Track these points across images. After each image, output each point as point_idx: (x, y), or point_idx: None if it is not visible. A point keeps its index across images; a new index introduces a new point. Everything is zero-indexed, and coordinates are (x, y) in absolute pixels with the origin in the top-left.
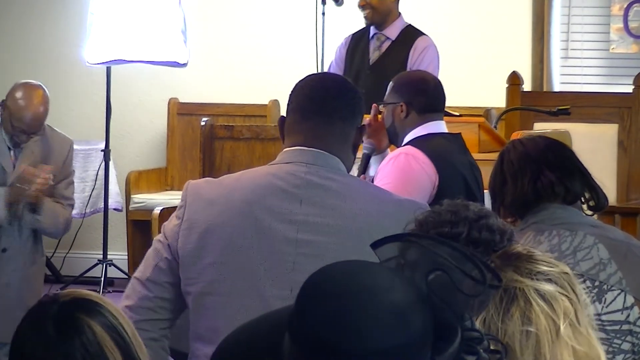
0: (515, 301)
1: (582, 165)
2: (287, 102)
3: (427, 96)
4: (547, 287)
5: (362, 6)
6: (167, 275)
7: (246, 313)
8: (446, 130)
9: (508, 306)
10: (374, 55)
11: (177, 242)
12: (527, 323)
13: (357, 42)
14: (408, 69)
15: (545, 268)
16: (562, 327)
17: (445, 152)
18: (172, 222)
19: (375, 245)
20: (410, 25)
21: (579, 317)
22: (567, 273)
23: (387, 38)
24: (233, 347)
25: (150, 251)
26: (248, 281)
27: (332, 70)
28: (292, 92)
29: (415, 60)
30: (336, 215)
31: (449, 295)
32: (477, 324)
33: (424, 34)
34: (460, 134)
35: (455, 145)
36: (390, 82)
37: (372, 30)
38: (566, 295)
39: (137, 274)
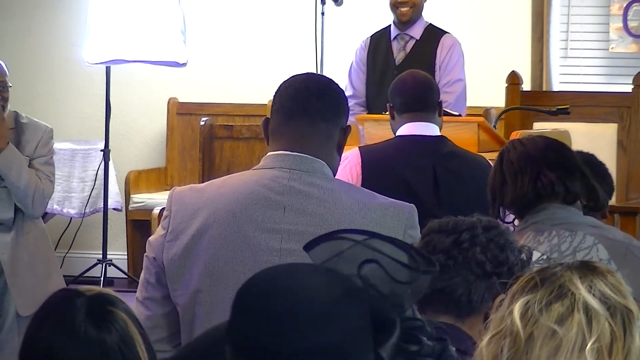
0: (561, 300)
1: (583, 165)
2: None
3: (401, 96)
4: (597, 306)
5: (403, 3)
6: (159, 290)
7: None
8: (428, 132)
9: (552, 300)
10: (399, 56)
11: (163, 254)
12: (559, 324)
13: (377, 44)
14: (437, 67)
15: (608, 291)
16: (588, 346)
17: (383, 155)
18: (158, 233)
19: (307, 247)
20: (431, 24)
21: (612, 350)
22: (630, 309)
23: (412, 37)
24: None
25: (143, 270)
26: (232, 291)
27: (352, 73)
28: (276, 93)
29: (444, 59)
30: (319, 223)
31: (383, 286)
32: (516, 308)
33: (447, 32)
34: (440, 137)
35: (419, 147)
36: None
37: (394, 31)
38: (611, 325)
39: (137, 294)
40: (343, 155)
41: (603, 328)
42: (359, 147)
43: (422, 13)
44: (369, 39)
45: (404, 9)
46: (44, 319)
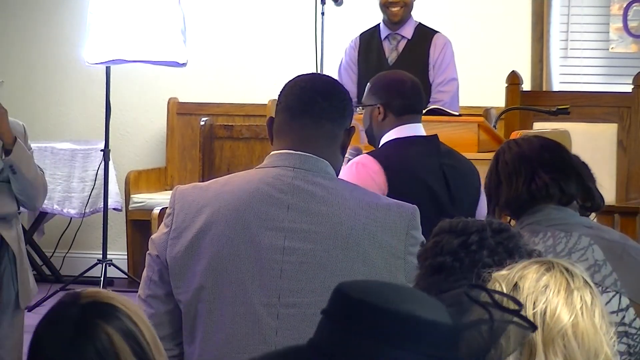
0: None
1: (579, 165)
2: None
3: (404, 98)
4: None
5: (394, 3)
6: (162, 288)
7: (233, 319)
8: (421, 133)
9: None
10: (392, 56)
11: (166, 251)
12: None
13: (368, 43)
14: (431, 67)
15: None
16: None
17: (403, 160)
18: (160, 230)
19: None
20: (421, 23)
21: None
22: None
23: (403, 37)
24: None
25: (145, 267)
26: (235, 289)
27: (342, 73)
28: (281, 91)
29: (437, 58)
30: (322, 221)
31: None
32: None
33: (437, 31)
34: (435, 135)
35: (425, 148)
36: (368, 83)
37: (384, 30)
38: None
39: (139, 292)
40: (353, 160)
41: None
42: (369, 153)
43: (413, 12)
44: (358, 38)
45: (395, 9)
46: (45, 320)
